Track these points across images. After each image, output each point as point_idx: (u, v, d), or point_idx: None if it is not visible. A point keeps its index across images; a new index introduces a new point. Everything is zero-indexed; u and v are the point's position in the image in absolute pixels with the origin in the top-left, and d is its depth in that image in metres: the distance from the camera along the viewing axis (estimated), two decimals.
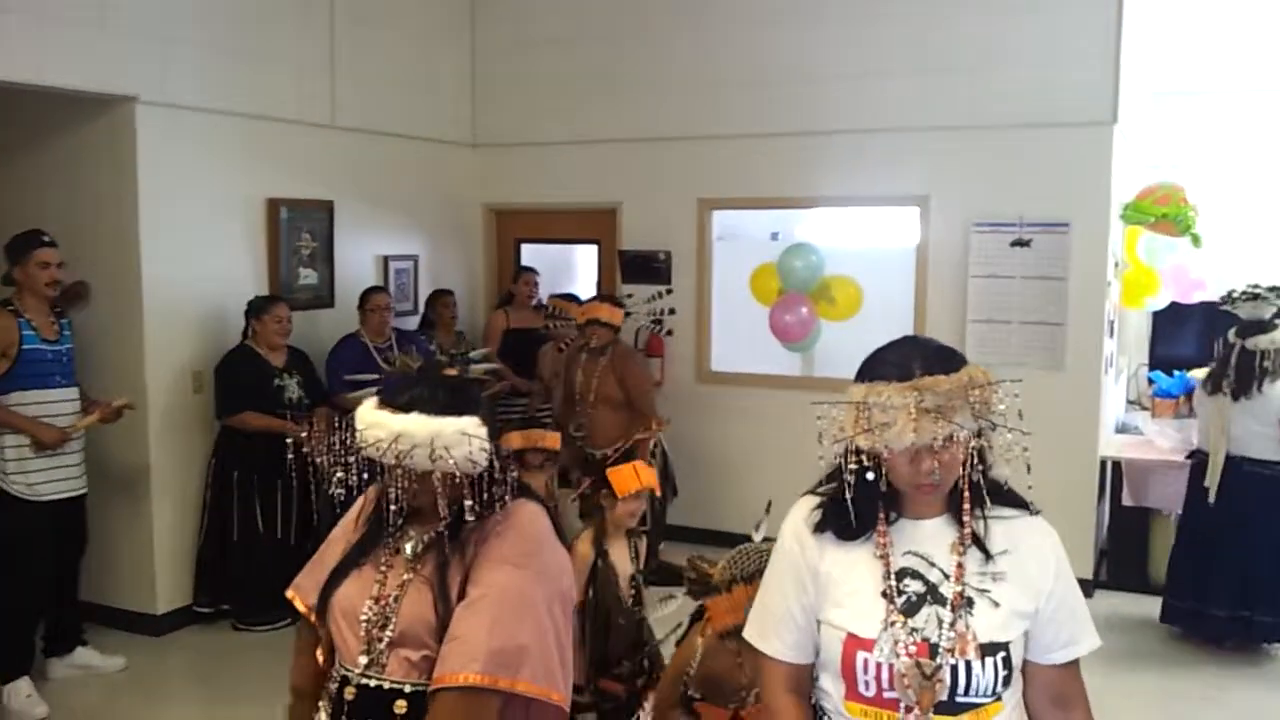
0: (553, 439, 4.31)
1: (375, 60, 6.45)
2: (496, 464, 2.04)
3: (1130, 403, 7.54)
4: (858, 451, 1.77)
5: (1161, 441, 6.11)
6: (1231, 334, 5.21)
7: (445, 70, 7.13)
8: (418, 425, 1.96)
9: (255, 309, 5.43)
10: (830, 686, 1.89)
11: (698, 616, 2.89)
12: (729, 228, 7.08)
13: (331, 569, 2.13)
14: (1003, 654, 1.80)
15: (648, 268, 6.83)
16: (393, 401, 2.01)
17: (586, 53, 6.95)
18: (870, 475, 1.77)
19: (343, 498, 2.11)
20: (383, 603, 2.03)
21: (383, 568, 2.07)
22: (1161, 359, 7.51)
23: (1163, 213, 6.05)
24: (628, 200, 6.96)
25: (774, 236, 7.25)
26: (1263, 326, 5.06)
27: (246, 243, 5.72)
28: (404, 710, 1.98)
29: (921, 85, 6.10)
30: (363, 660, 2.01)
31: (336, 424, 2.09)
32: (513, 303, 6.87)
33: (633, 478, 3.52)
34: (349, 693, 2.02)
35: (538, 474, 4.12)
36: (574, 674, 3.00)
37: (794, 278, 6.49)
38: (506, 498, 2.06)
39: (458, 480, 2.00)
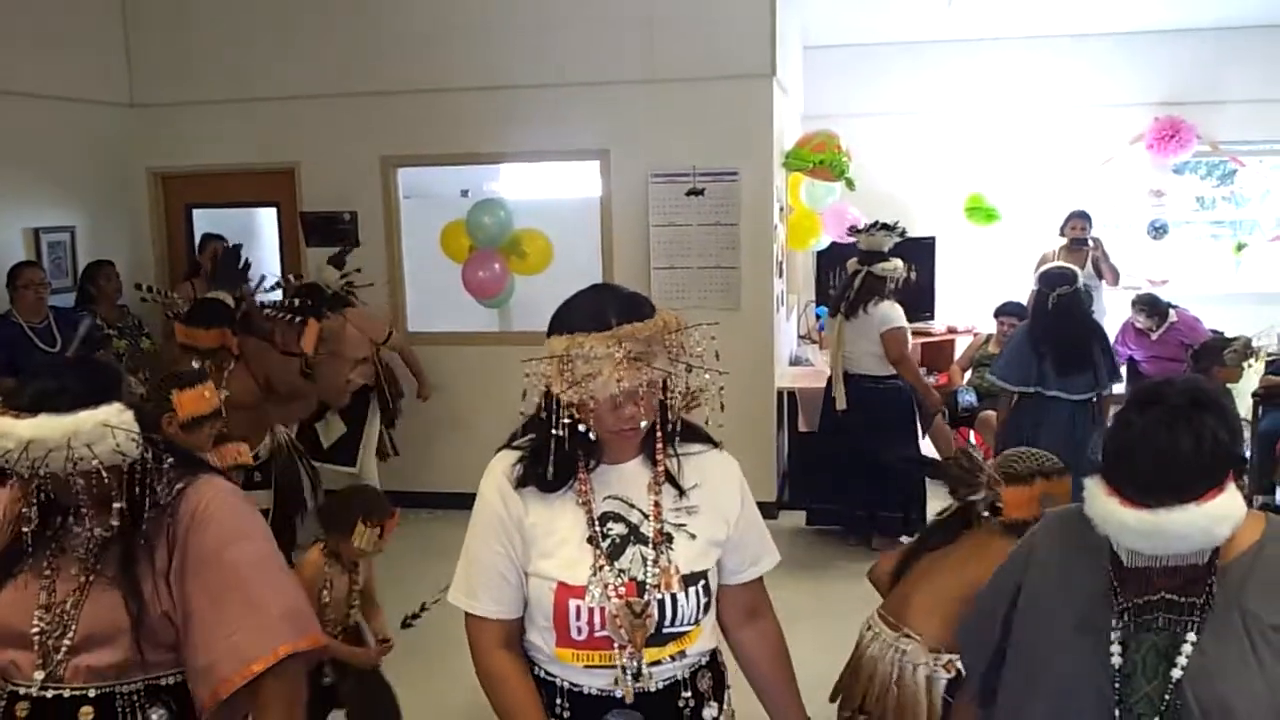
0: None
1: (7, 14, 5.82)
2: (151, 450, 1.94)
3: (801, 337, 8.17)
4: (558, 404, 1.80)
5: (829, 371, 6.67)
6: (852, 263, 5.82)
7: (92, 24, 6.53)
8: (49, 427, 1.80)
9: None
10: (539, 639, 1.92)
11: (957, 526, 2.80)
12: (418, 185, 6.99)
13: None
14: (703, 582, 1.91)
15: (332, 229, 6.63)
16: (16, 404, 1.84)
17: (251, 3, 6.59)
18: (581, 428, 1.81)
19: None
20: (56, 610, 1.90)
21: (47, 574, 1.92)
22: (826, 296, 8.18)
23: (820, 159, 6.58)
24: (306, 160, 6.69)
25: (464, 193, 7.23)
26: (884, 256, 5.69)
27: None
28: (91, 716, 1.89)
29: (596, 40, 6.25)
30: (38, 675, 1.88)
31: None
32: (200, 274, 6.46)
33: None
34: (21, 709, 1.90)
35: (198, 434, 3.52)
36: None
37: (483, 234, 6.52)
38: (177, 484, 1.96)
39: (106, 478, 1.86)
